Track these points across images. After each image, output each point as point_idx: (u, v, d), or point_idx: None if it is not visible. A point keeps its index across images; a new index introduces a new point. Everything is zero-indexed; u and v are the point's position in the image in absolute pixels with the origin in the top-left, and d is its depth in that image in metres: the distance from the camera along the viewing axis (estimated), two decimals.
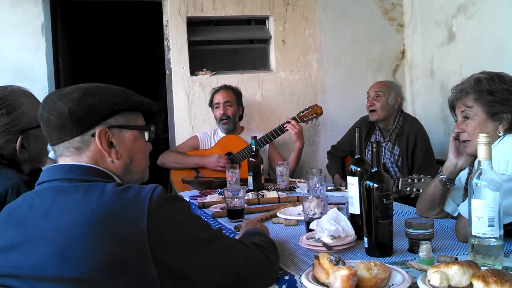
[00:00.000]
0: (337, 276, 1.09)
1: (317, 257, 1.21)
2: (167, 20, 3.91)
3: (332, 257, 1.18)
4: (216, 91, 3.63)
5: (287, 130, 3.44)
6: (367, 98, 3.38)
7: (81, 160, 1.19)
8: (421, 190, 2.36)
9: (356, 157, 1.74)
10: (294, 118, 3.48)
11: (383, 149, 3.30)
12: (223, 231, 1.35)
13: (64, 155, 1.20)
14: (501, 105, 1.71)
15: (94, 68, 6.36)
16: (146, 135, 1.30)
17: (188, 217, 1.15)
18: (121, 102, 1.24)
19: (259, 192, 2.67)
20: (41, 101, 1.27)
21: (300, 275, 1.36)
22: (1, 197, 1.47)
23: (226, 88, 3.63)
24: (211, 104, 3.65)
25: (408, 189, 2.44)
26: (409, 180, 2.46)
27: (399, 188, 2.51)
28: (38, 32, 3.68)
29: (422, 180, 2.41)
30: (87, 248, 1.02)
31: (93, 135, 1.19)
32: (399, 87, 3.46)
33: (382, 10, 4.32)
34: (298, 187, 2.88)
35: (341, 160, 3.66)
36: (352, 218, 1.71)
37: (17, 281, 1.08)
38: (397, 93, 3.33)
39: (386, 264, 1.22)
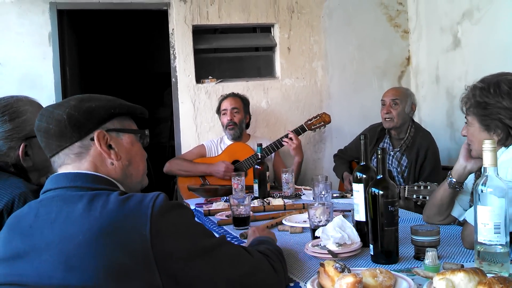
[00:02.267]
0: (343, 284, 1.09)
1: (322, 265, 1.21)
2: (173, 29, 3.94)
3: (337, 265, 1.18)
4: (224, 98, 3.64)
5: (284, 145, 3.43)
6: (382, 105, 3.34)
7: (83, 166, 1.20)
8: (427, 198, 2.35)
9: (362, 164, 1.74)
10: (294, 131, 3.46)
11: (391, 157, 3.27)
12: (229, 239, 1.35)
13: (65, 163, 1.21)
14: (492, 119, 1.70)
15: (100, 77, 6.41)
16: (141, 139, 1.33)
17: (191, 225, 1.16)
18: (117, 106, 1.27)
19: (265, 199, 2.68)
20: None
21: (306, 283, 1.36)
22: (8, 206, 1.47)
23: (234, 95, 3.64)
24: (218, 111, 3.66)
25: (414, 196, 2.44)
26: (415, 188, 2.45)
27: (406, 196, 2.50)
28: (45, 41, 3.71)
29: (428, 187, 2.40)
30: (92, 256, 1.03)
31: (92, 139, 1.21)
32: (413, 95, 3.41)
33: (387, 16, 4.33)
34: (303, 194, 2.88)
35: (349, 162, 3.65)
36: (358, 225, 1.71)
37: None
38: (412, 101, 3.29)
39: (391, 272, 1.22)
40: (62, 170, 1.22)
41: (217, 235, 1.24)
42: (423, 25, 4.17)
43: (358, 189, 1.70)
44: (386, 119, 3.26)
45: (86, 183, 1.17)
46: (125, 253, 1.03)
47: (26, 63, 3.69)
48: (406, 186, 2.49)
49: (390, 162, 3.27)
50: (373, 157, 3.11)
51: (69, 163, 1.21)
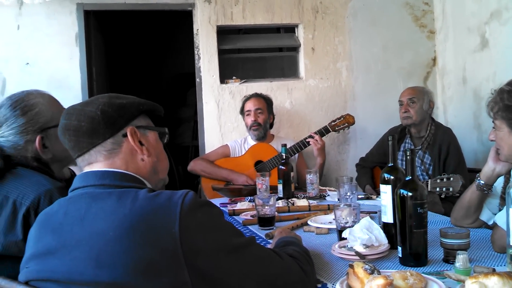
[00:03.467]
0: (373, 286, 1.08)
1: (351, 266, 1.20)
2: (197, 29, 3.96)
3: (367, 266, 1.17)
4: (247, 98, 3.64)
5: (310, 144, 3.42)
6: (400, 105, 3.35)
7: (114, 164, 1.21)
8: (450, 189, 2.32)
9: (389, 165, 1.72)
10: (317, 133, 3.45)
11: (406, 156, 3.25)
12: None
13: (97, 160, 1.21)
14: None
15: (126, 77, 6.48)
16: (162, 137, 1.35)
17: (220, 223, 1.16)
18: (143, 103, 1.29)
19: (289, 200, 2.67)
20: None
21: (333, 284, 1.36)
22: (34, 204, 1.48)
23: (257, 96, 3.64)
24: (242, 111, 3.66)
25: (437, 189, 2.40)
26: (438, 181, 2.41)
27: (429, 189, 2.46)
28: (72, 41, 3.77)
29: (451, 178, 2.36)
30: (121, 252, 1.04)
31: (124, 136, 1.23)
32: (430, 92, 3.44)
33: (412, 17, 4.28)
34: (328, 195, 2.87)
35: (371, 171, 3.63)
36: (385, 227, 1.69)
37: (55, 285, 1.10)
38: (429, 98, 3.31)
39: (422, 274, 1.20)
40: (92, 167, 1.22)
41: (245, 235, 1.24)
42: (449, 26, 4.11)
43: (386, 191, 1.68)
44: (404, 117, 3.28)
45: (114, 181, 1.18)
46: (154, 249, 1.04)
47: (54, 63, 3.74)
48: (429, 180, 2.45)
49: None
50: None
51: (101, 160, 1.21)
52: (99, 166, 1.21)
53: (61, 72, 3.74)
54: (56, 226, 1.14)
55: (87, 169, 1.23)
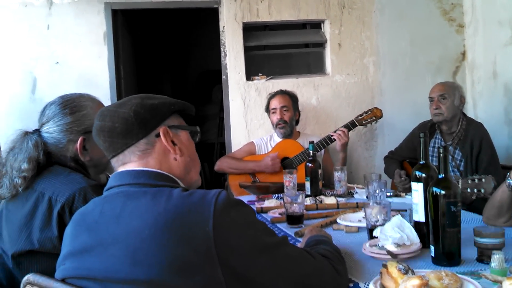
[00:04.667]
0: (408, 286, 1.06)
1: (385, 266, 1.19)
2: (224, 26, 3.96)
3: (401, 266, 1.15)
4: (272, 96, 3.63)
5: (335, 139, 3.38)
6: (430, 101, 3.27)
7: (148, 164, 1.23)
8: (482, 191, 2.27)
9: (421, 162, 1.69)
10: (345, 126, 3.42)
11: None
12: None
13: (131, 161, 1.23)
14: None
15: (152, 74, 6.54)
16: (194, 136, 1.36)
17: (252, 222, 1.16)
18: (174, 103, 1.30)
19: (317, 197, 2.65)
20: None
21: (365, 283, 1.35)
22: (69, 201, 1.51)
23: (282, 93, 3.62)
24: (267, 109, 3.65)
25: (468, 190, 2.35)
26: (469, 181, 2.37)
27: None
28: (101, 40, 3.81)
29: (483, 179, 2.31)
30: (157, 250, 1.05)
31: (157, 136, 1.24)
32: (461, 87, 3.34)
33: (441, 10, 4.21)
34: (356, 192, 2.84)
35: (399, 162, 3.58)
36: (417, 225, 1.67)
37: (92, 283, 1.12)
38: (460, 93, 3.23)
39: (457, 274, 1.18)
40: (126, 167, 1.23)
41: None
42: (479, 19, 4.02)
43: (417, 189, 1.65)
44: (436, 114, 3.21)
45: (148, 180, 1.20)
46: (188, 248, 1.05)
47: (83, 62, 3.80)
48: (460, 180, 2.41)
49: None
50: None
51: (135, 160, 1.23)
52: (133, 166, 1.23)
53: (90, 71, 3.80)
54: (92, 224, 1.16)
55: (121, 169, 1.24)
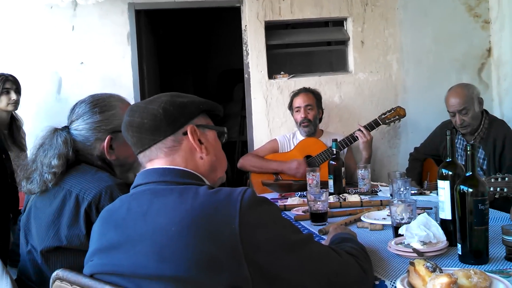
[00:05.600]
0: (436, 284, 1.06)
1: (412, 264, 1.18)
2: (246, 25, 3.97)
3: (428, 264, 1.14)
4: (295, 94, 3.61)
5: (357, 138, 3.36)
6: (452, 116, 3.17)
7: (175, 161, 1.24)
8: (505, 190, 2.24)
9: (448, 160, 1.68)
10: (368, 125, 3.40)
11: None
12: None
13: (158, 157, 1.25)
14: None
15: (174, 72, 6.59)
16: (221, 136, 1.37)
17: (278, 219, 1.17)
18: (203, 102, 1.32)
19: (341, 195, 2.64)
20: None
21: (391, 281, 1.34)
22: (96, 199, 1.54)
23: (306, 91, 3.60)
24: (290, 107, 3.64)
25: (491, 189, 2.32)
26: (492, 180, 2.33)
27: None
28: (124, 40, 3.86)
29: (506, 179, 2.28)
30: (184, 247, 1.06)
31: (185, 134, 1.25)
32: (476, 89, 3.20)
33: (466, 6, 4.15)
34: (380, 190, 2.82)
35: (421, 165, 3.54)
36: (443, 223, 1.65)
37: (120, 278, 1.13)
38: (478, 96, 3.13)
39: (486, 273, 1.16)
40: (152, 164, 1.25)
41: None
42: (506, 15, 3.95)
43: (444, 186, 1.64)
44: (462, 127, 3.14)
45: (175, 178, 1.21)
46: (215, 245, 1.05)
47: (107, 62, 3.85)
48: (483, 179, 2.37)
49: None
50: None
51: (161, 156, 1.24)
52: (159, 162, 1.24)
53: (114, 71, 3.85)
54: (119, 221, 1.18)
55: (148, 165, 1.26)
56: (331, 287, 1.19)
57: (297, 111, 3.54)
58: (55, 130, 1.68)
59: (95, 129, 1.67)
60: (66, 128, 1.70)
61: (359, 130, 3.36)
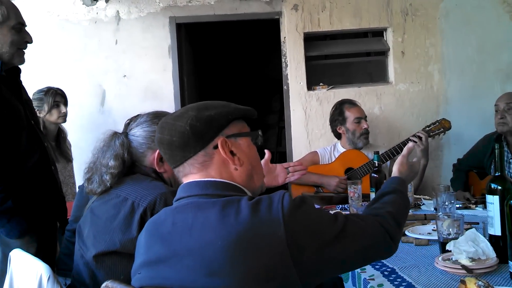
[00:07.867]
0: None
1: (463, 282, 1.16)
2: (285, 37, 3.98)
3: (480, 283, 1.12)
4: (350, 105, 3.52)
5: (399, 152, 3.29)
6: (496, 110, 3.14)
7: (209, 174, 1.25)
8: None
9: (496, 174, 1.64)
10: (419, 136, 3.32)
11: (510, 164, 3.05)
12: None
13: (191, 173, 1.26)
14: None
15: (213, 84, 6.66)
16: (255, 140, 1.36)
17: (317, 217, 1.18)
18: (232, 111, 1.30)
19: None
20: None
21: None
22: (151, 205, 1.59)
23: (354, 102, 3.56)
24: (341, 116, 3.51)
25: None
26: None
27: None
28: (166, 53, 3.93)
29: None
30: (233, 261, 1.07)
31: (215, 147, 1.25)
32: None
33: (510, 15, 4.04)
34: (423, 204, 2.77)
35: (465, 176, 3.46)
36: (492, 239, 1.61)
37: None
38: None
39: None
40: (188, 179, 1.27)
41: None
42: None
43: (493, 201, 1.60)
44: (500, 124, 3.08)
45: (216, 190, 1.22)
46: (264, 255, 1.07)
47: (149, 75, 3.93)
48: None
49: (509, 170, 3.06)
50: (491, 165, 2.92)
51: (195, 172, 1.25)
52: (194, 177, 1.26)
53: (155, 84, 3.93)
54: (165, 235, 1.19)
55: (184, 180, 1.28)
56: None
57: (356, 122, 3.45)
58: (115, 133, 1.75)
59: (150, 138, 1.72)
60: (125, 133, 1.77)
61: (413, 136, 3.28)
